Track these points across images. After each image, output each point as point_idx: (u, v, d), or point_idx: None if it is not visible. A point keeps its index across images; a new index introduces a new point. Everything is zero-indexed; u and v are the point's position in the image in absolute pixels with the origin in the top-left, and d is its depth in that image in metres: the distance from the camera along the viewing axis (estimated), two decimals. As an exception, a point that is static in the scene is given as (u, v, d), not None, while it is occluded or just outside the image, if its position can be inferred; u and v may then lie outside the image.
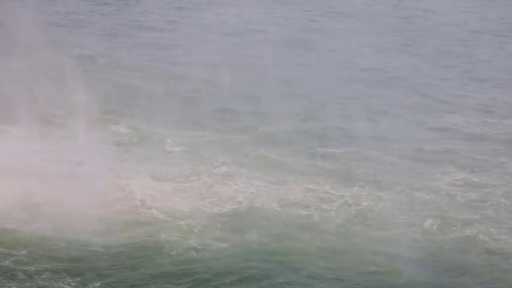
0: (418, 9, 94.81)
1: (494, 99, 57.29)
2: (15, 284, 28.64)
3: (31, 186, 36.14)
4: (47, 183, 36.61)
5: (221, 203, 36.63)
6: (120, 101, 50.12)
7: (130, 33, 71.79)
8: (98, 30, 71.58)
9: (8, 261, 30.05)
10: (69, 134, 41.83)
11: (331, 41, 72.74)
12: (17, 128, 42.45)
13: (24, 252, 30.77)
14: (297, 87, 56.38)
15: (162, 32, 73.89)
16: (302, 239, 33.06)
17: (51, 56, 47.66)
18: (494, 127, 50.57)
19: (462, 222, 35.52)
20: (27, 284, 28.71)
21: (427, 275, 31.01)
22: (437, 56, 69.97)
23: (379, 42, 74.14)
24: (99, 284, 28.98)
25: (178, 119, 46.80)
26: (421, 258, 32.20)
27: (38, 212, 34.24)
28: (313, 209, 36.34)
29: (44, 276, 29.19)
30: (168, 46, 67.71)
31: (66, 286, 28.75)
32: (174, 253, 31.38)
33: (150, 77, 56.15)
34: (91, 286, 28.86)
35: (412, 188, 39.01)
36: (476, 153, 44.98)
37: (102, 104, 44.91)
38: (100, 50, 63.57)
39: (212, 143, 44.29)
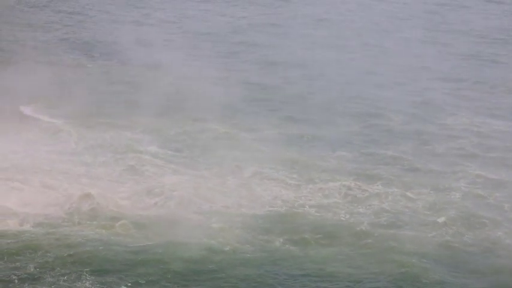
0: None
1: (501, 98, 56.89)
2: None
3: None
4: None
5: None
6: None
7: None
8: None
9: (31, 264, 29.60)
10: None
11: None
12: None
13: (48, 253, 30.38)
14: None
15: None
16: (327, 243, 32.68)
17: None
18: (504, 125, 50.22)
19: (487, 221, 35.30)
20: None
21: (453, 277, 30.61)
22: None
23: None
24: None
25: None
26: (447, 260, 31.83)
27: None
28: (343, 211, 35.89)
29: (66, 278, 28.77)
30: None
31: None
32: (196, 255, 30.89)
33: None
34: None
35: (434, 188, 38.60)
36: (490, 152, 44.63)
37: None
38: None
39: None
